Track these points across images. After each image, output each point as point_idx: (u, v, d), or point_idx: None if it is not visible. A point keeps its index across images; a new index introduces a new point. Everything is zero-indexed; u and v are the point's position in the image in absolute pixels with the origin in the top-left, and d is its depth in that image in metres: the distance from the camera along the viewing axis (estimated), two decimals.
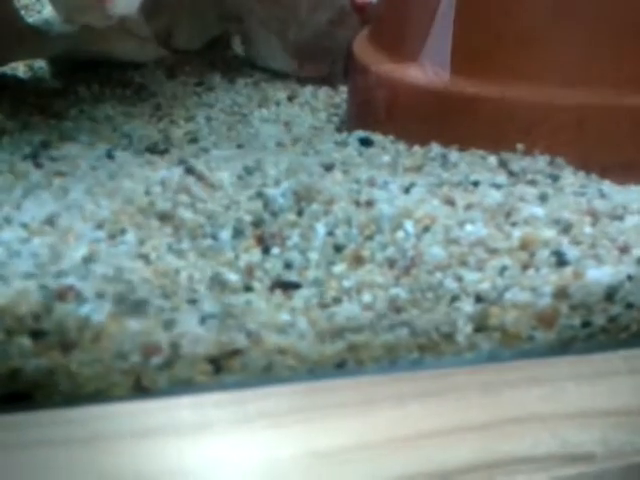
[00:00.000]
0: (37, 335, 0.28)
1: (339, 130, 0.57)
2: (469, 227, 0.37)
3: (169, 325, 0.31)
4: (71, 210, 0.37)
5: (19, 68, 0.68)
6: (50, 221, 0.36)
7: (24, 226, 0.35)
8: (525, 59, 0.45)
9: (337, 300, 0.37)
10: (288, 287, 0.38)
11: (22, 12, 0.70)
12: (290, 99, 0.65)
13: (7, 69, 0.65)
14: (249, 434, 0.28)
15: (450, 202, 0.39)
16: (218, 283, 0.37)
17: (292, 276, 0.39)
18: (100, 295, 0.30)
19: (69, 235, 0.35)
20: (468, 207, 0.39)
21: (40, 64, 0.69)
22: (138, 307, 0.30)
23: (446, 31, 0.45)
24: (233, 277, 0.37)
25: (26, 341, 0.28)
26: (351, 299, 0.37)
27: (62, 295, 0.29)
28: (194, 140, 0.56)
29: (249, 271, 0.38)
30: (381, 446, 0.27)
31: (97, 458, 0.28)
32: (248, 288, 0.37)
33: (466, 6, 0.45)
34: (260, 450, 0.27)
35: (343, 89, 0.65)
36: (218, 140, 0.56)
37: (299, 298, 0.37)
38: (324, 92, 0.66)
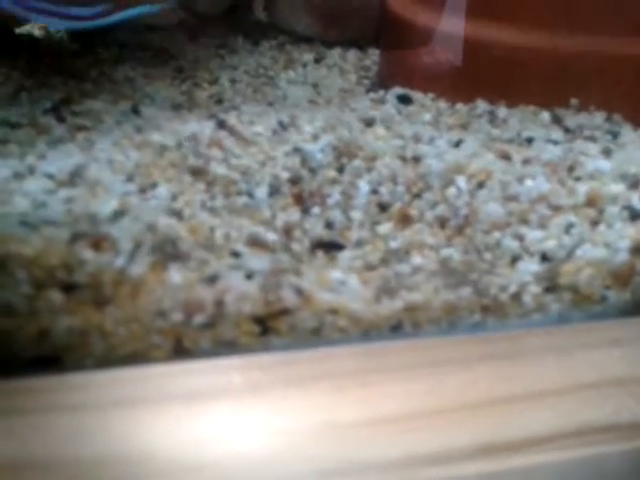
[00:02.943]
0: (69, 289, 0.26)
1: (369, 92, 0.54)
2: (529, 182, 0.34)
3: (212, 280, 0.28)
4: (99, 162, 0.34)
5: (35, 31, 0.65)
6: (77, 173, 0.33)
7: (50, 177, 0.32)
8: (579, 5, 0.41)
9: (384, 262, 0.34)
10: (330, 248, 0.35)
11: None
12: (317, 61, 0.62)
13: (23, 30, 0.62)
14: (306, 398, 0.25)
15: (505, 157, 0.36)
16: (255, 243, 0.34)
17: (334, 236, 0.36)
18: (138, 245, 0.27)
19: (98, 187, 0.32)
20: (526, 162, 0.36)
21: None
22: (179, 259, 0.27)
23: None
24: (271, 237, 0.35)
25: (57, 296, 0.26)
26: (400, 261, 0.34)
27: (96, 244, 0.26)
28: (220, 101, 0.53)
29: (288, 231, 0.36)
30: (450, 412, 0.25)
31: (135, 422, 0.25)
32: (287, 248, 0.35)
33: None
34: (318, 415, 0.25)
35: (372, 52, 0.63)
36: (245, 101, 0.53)
37: (342, 259, 0.34)
38: (353, 54, 0.63)
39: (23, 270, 0.25)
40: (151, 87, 0.54)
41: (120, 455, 0.24)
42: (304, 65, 0.61)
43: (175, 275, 0.27)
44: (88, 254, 0.26)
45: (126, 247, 0.27)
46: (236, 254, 0.30)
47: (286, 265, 0.30)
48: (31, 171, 0.32)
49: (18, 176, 0.32)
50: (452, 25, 0.45)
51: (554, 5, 0.41)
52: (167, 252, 0.27)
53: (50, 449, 0.24)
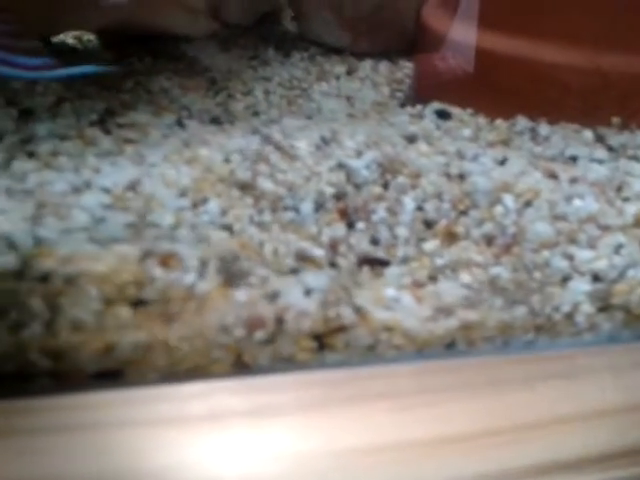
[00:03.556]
0: (137, 305, 0.26)
1: (403, 106, 0.55)
2: (577, 202, 0.35)
3: (274, 297, 0.28)
4: (152, 177, 0.35)
5: (68, 40, 0.66)
6: (132, 187, 0.34)
7: (106, 191, 0.33)
8: (620, 26, 0.42)
9: (432, 279, 0.34)
10: (376, 264, 0.36)
11: None
12: (349, 73, 0.62)
13: (60, 39, 0.63)
14: (369, 416, 0.25)
15: (552, 175, 0.37)
16: (303, 258, 0.35)
17: (379, 252, 0.36)
18: (204, 263, 0.27)
19: (153, 202, 0.33)
20: (573, 181, 0.36)
21: (89, 36, 0.67)
22: (242, 277, 0.28)
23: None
24: (317, 252, 0.35)
25: (125, 311, 0.26)
26: (447, 278, 0.34)
27: (165, 261, 0.27)
28: (256, 114, 0.53)
29: (333, 246, 0.36)
30: (512, 432, 0.25)
31: (198, 437, 0.26)
32: (333, 264, 0.35)
33: None
34: (381, 434, 0.25)
35: (404, 64, 0.63)
36: (281, 114, 0.53)
37: (389, 276, 0.34)
38: (384, 66, 0.63)
39: (94, 287, 0.26)
40: (187, 98, 0.55)
41: (189, 467, 0.24)
42: (337, 77, 0.61)
43: (240, 292, 0.27)
44: (158, 271, 0.26)
45: (192, 264, 0.27)
46: (294, 271, 0.31)
47: (343, 282, 0.31)
48: (87, 185, 0.33)
49: (75, 190, 0.32)
50: (491, 41, 0.46)
51: (596, 24, 0.42)
52: (232, 270, 0.28)
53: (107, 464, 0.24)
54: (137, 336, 0.26)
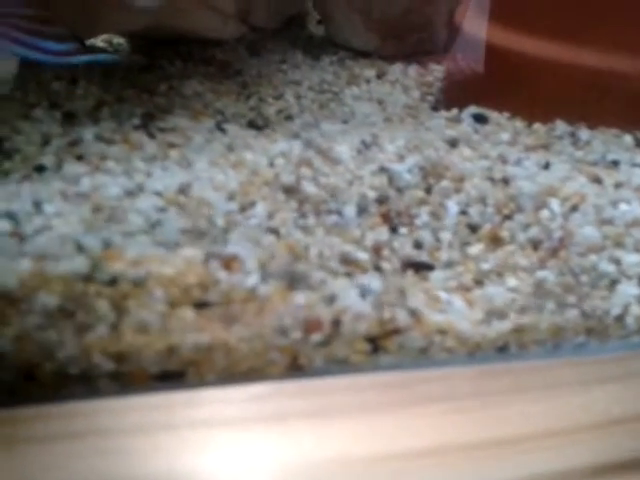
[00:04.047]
0: (201, 307, 0.27)
1: (435, 109, 0.55)
2: (623, 206, 0.35)
3: (331, 300, 0.29)
4: (201, 180, 0.35)
5: (98, 43, 0.67)
6: (183, 191, 0.34)
7: (159, 194, 0.33)
8: None
9: (478, 283, 0.35)
10: (420, 268, 0.36)
11: None
12: (379, 77, 0.63)
13: (90, 43, 0.63)
14: (425, 419, 0.26)
15: (597, 180, 0.37)
16: (348, 261, 0.35)
17: (423, 257, 0.37)
18: (263, 266, 0.28)
19: (203, 206, 0.33)
20: (617, 186, 0.37)
21: (119, 40, 0.68)
22: (301, 280, 0.28)
23: (575, 1, 0.43)
24: (361, 256, 0.35)
25: (189, 313, 0.26)
26: (493, 282, 0.35)
27: (228, 265, 0.27)
28: (289, 117, 0.54)
29: (377, 250, 0.36)
30: (569, 433, 0.25)
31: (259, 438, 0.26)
32: (377, 268, 0.35)
33: None
34: (440, 436, 0.25)
35: (434, 67, 0.63)
36: (315, 117, 0.54)
37: (434, 280, 0.35)
38: (413, 70, 0.63)
39: (160, 289, 0.26)
40: (220, 102, 0.55)
41: (249, 466, 0.24)
42: (367, 81, 0.62)
43: (299, 295, 0.28)
44: (222, 274, 0.27)
45: (253, 266, 0.28)
46: (349, 274, 0.31)
47: (398, 285, 0.31)
48: (140, 189, 0.33)
49: (129, 194, 0.33)
50: (529, 45, 0.46)
51: (637, 27, 0.42)
52: (292, 272, 0.28)
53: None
54: (199, 338, 0.27)
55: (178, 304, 0.26)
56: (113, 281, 0.26)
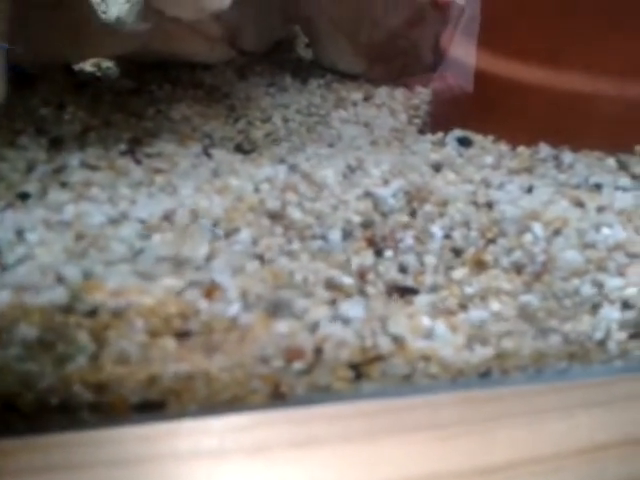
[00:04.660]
0: (182, 337, 0.27)
1: (422, 132, 0.55)
2: (605, 230, 0.35)
3: (313, 328, 0.29)
4: (185, 207, 0.35)
5: (87, 67, 0.67)
6: (167, 218, 0.34)
7: (142, 222, 0.33)
8: None
9: (462, 307, 0.35)
10: (405, 292, 0.36)
11: None
12: (366, 100, 0.63)
13: (79, 67, 0.64)
14: (409, 447, 0.26)
15: (579, 204, 0.37)
16: (332, 286, 0.35)
17: (408, 281, 0.37)
18: (245, 294, 0.28)
19: (188, 233, 0.33)
20: (600, 209, 0.37)
21: (107, 64, 0.68)
22: (283, 307, 0.28)
23: (559, 26, 0.43)
24: (346, 280, 0.35)
25: (170, 343, 0.26)
26: (477, 306, 0.35)
27: (209, 293, 0.27)
28: (276, 141, 0.54)
29: (362, 275, 0.36)
30: (554, 459, 0.25)
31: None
32: (362, 292, 0.35)
33: None
34: (425, 465, 0.25)
35: (420, 90, 0.64)
36: (302, 141, 0.54)
37: (419, 304, 0.35)
38: (400, 93, 0.64)
39: (141, 319, 0.26)
40: (208, 126, 0.56)
41: None
42: (354, 104, 0.62)
43: (281, 323, 0.28)
44: (203, 303, 0.27)
45: (234, 295, 0.28)
46: (331, 302, 0.31)
47: (380, 311, 0.31)
48: (124, 216, 0.33)
49: (112, 221, 0.33)
50: (514, 70, 0.46)
51: (619, 52, 0.42)
52: (274, 300, 0.28)
53: None
54: (180, 367, 0.26)
55: (159, 334, 0.26)
56: (93, 312, 0.26)
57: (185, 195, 0.37)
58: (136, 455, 0.26)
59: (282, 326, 0.28)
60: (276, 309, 0.28)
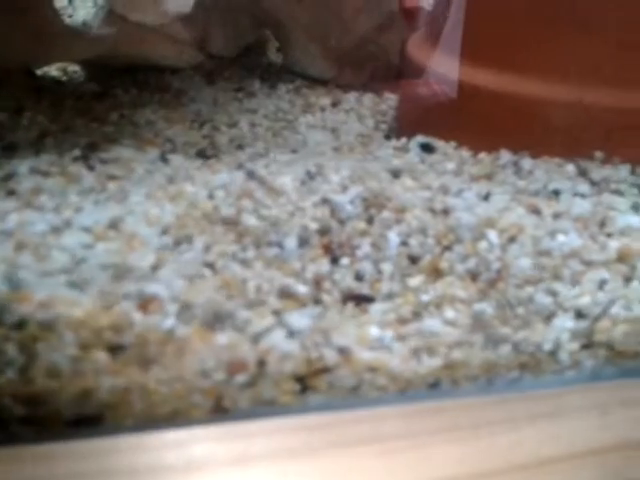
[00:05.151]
0: (115, 350, 0.26)
1: (388, 137, 0.55)
2: (561, 238, 0.35)
3: (256, 339, 0.28)
4: (135, 214, 0.35)
5: (52, 72, 0.66)
6: (114, 225, 0.33)
7: (87, 230, 0.32)
8: (604, 59, 0.42)
9: (417, 315, 0.34)
10: (361, 300, 0.36)
11: None
12: (334, 105, 0.63)
13: (43, 71, 0.63)
14: (355, 461, 0.25)
15: (536, 211, 0.37)
16: (287, 295, 0.34)
17: (364, 289, 0.36)
18: (184, 306, 0.27)
19: (135, 241, 0.33)
20: (556, 216, 0.36)
21: (74, 68, 0.67)
22: (223, 319, 0.28)
23: (518, 33, 0.43)
24: (301, 289, 0.35)
25: (103, 356, 0.26)
26: (431, 315, 0.34)
27: (145, 305, 0.26)
28: (240, 146, 0.53)
29: (317, 282, 0.36)
30: (501, 474, 0.25)
31: None
32: (317, 301, 0.35)
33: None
34: (370, 478, 0.25)
35: (388, 96, 0.63)
36: (266, 146, 0.53)
37: (374, 312, 0.34)
38: (369, 98, 0.63)
39: (71, 332, 0.25)
40: (172, 131, 0.55)
41: None
42: (322, 109, 0.62)
43: (221, 335, 0.27)
44: (137, 316, 0.26)
45: (172, 307, 0.27)
46: (277, 312, 0.30)
47: (326, 322, 0.30)
48: (68, 224, 0.33)
49: (55, 230, 0.32)
50: (475, 75, 0.46)
51: (579, 58, 0.42)
52: (214, 312, 0.27)
53: None
54: (115, 381, 0.26)
55: (90, 347, 0.25)
56: (21, 324, 0.25)
57: (135, 202, 0.36)
58: (71, 474, 0.25)
59: (222, 338, 0.27)
60: (217, 320, 0.28)
